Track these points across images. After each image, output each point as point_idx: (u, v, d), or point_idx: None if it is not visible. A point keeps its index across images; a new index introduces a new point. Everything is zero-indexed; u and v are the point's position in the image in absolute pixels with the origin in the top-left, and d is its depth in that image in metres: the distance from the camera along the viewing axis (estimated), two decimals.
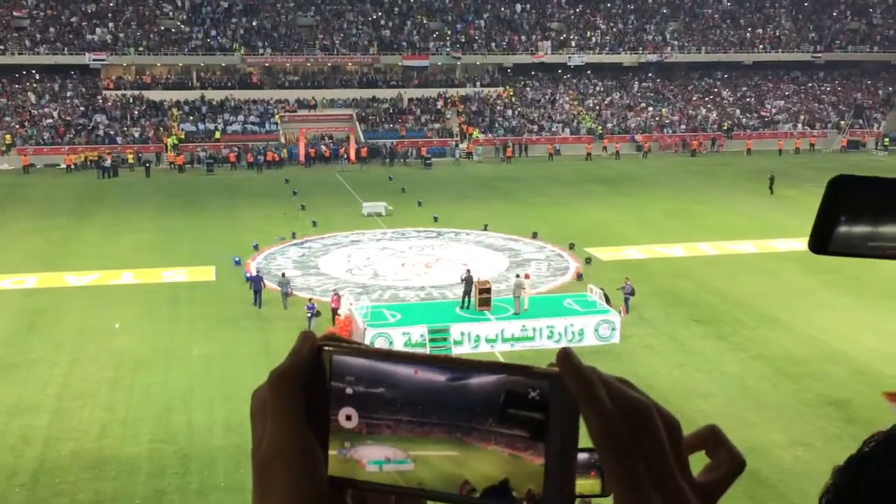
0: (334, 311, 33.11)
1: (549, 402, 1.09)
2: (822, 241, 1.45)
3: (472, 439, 1.10)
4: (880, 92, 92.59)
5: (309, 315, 32.36)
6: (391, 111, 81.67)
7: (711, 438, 1.18)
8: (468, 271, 34.77)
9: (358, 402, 1.13)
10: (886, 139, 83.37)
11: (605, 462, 1.08)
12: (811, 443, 23.76)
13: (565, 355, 1.11)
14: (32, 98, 77.17)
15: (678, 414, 1.12)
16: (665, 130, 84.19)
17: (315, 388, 1.14)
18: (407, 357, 1.13)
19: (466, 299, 33.55)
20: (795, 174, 66.82)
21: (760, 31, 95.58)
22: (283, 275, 37.23)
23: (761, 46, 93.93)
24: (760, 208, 54.39)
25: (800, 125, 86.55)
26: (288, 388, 1.13)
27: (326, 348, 1.16)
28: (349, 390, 1.13)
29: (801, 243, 44.94)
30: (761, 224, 49.72)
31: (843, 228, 1.42)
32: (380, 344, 30.24)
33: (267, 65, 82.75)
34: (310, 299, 33.94)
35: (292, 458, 1.11)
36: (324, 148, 74.03)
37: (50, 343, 31.05)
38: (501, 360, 29.02)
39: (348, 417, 1.13)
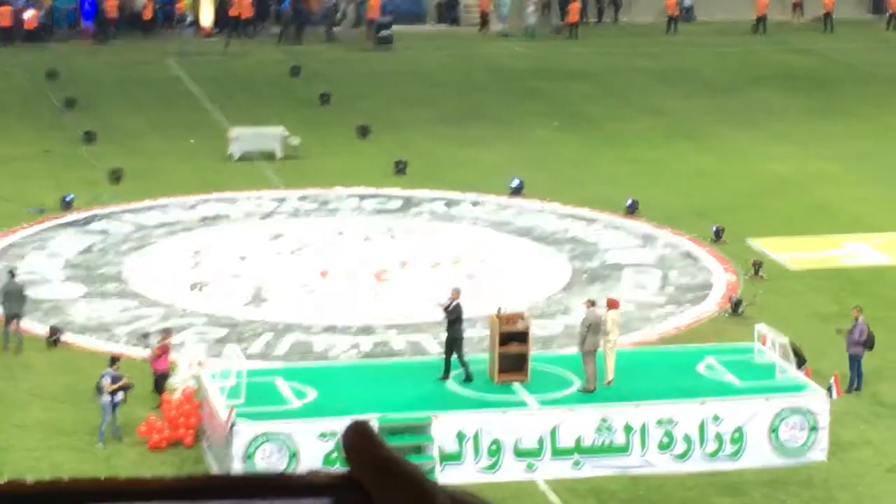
0: (159, 380, 33.57)
1: None
2: None
3: None
4: None
5: (108, 400, 32.75)
6: None
7: None
8: (456, 293, 35.55)
9: None
10: None
11: None
12: None
13: (361, 436, 1.35)
14: None
15: None
16: None
17: None
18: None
19: (454, 357, 34.35)
20: None
21: None
22: (12, 274, 39.06)
23: None
24: None
25: None
26: None
27: None
28: None
29: None
30: None
31: None
32: (265, 458, 30.78)
33: None
34: (112, 360, 34.17)
35: None
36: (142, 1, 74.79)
37: None
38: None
39: None
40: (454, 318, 34.12)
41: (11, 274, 38.24)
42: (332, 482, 1.32)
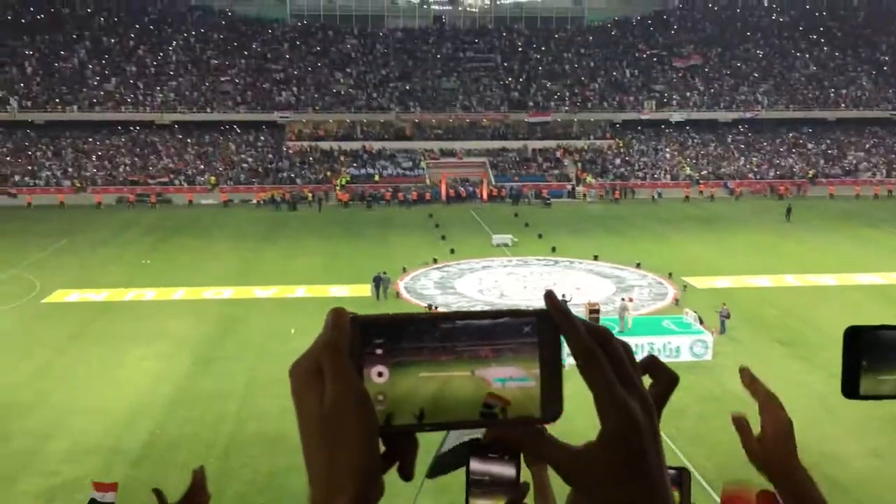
0: None
1: (539, 332, 1.16)
2: (852, 388, 1.42)
3: (484, 366, 1.14)
4: None
5: None
6: (518, 159, 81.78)
7: (652, 363, 1.30)
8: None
9: (386, 360, 1.14)
10: None
11: (585, 369, 1.16)
12: (884, 454, 22.13)
13: (549, 295, 1.19)
14: (233, 147, 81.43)
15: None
16: (755, 177, 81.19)
17: (352, 353, 1.14)
18: (424, 317, 1.16)
19: None
20: (876, 216, 63.16)
21: (843, 91, 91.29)
22: (384, 273, 37.51)
23: (843, 105, 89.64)
24: (841, 245, 51.41)
25: (878, 174, 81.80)
26: (339, 353, 1.12)
27: (357, 320, 1.17)
28: (378, 351, 1.15)
29: (881, 278, 42.17)
30: (842, 259, 45.85)
31: (867, 374, 1.38)
32: None
33: (417, 121, 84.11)
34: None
35: (357, 410, 1.10)
36: (461, 189, 74.28)
37: (241, 343, 31.03)
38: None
39: (380, 374, 1.14)
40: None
41: (384, 273, 37.97)
42: (536, 312, 1.13)
